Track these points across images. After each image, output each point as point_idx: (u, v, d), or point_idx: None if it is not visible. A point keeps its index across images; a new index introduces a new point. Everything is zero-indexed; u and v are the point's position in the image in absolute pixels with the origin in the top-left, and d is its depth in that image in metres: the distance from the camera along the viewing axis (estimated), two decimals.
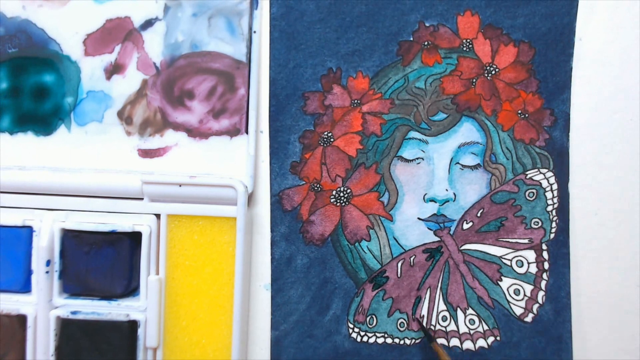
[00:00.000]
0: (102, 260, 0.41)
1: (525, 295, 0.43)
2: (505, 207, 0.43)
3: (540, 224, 0.43)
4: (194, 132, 0.43)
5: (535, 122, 0.43)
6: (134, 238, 0.42)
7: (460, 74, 0.43)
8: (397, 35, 0.43)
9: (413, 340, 0.43)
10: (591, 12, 0.43)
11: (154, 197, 0.42)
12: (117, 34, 0.43)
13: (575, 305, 0.43)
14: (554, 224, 0.43)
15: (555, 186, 0.43)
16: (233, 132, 0.43)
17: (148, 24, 0.43)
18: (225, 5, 0.43)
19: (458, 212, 0.43)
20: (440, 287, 0.43)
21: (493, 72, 0.43)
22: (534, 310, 0.43)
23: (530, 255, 0.43)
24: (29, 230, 0.42)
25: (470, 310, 0.43)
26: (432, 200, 0.43)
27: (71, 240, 0.41)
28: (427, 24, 0.43)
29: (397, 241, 0.43)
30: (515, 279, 0.43)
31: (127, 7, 0.43)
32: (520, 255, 0.43)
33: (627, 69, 0.43)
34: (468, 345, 0.43)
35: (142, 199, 0.42)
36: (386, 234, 0.43)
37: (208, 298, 0.42)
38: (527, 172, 0.43)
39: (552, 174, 0.43)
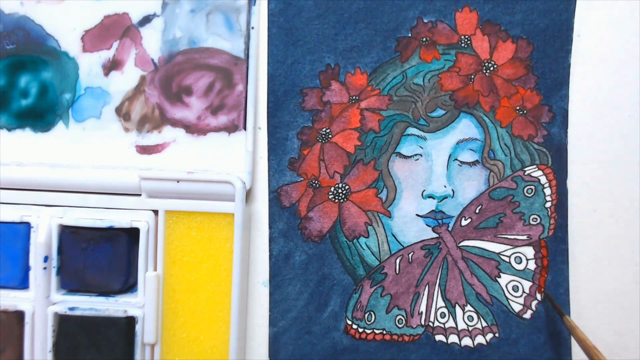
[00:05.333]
0: (100, 256, 0.41)
1: (524, 291, 0.43)
2: (503, 203, 0.43)
3: (538, 221, 0.43)
4: (192, 129, 0.43)
5: (534, 119, 0.43)
6: (132, 234, 0.42)
7: (458, 70, 0.43)
8: (396, 31, 0.43)
9: (411, 337, 0.43)
10: (589, 9, 0.43)
11: (151, 193, 0.42)
12: (115, 31, 0.43)
13: (574, 301, 0.43)
14: (552, 221, 0.43)
15: (553, 182, 0.43)
16: (231, 128, 0.43)
17: (146, 20, 0.43)
18: (223, 2, 0.43)
19: (456, 209, 0.43)
20: (439, 284, 0.43)
21: (491, 69, 0.43)
22: (533, 306, 0.43)
23: (529, 251, 0.43)
24: (26, 226, 0.42)
25: (468, 307, 0.43)
26: (431, 196, 0.43)
27: (69, 236, 0.41)
28: (425, 20, 0.43)
29: (395, 238, 0.43)
30: (513, 275, 0.43)
31: (125, 4, 0.43)
32: (519, 252, 0.43)
33: (625, 65, 0.43)
34: (467, 341, 0.43)
35: (140, 195, 0.42)
36: (384, 230, 0.43)
37: (206, 294, 0.42)
38: (526, 169, 0.43)
39: (550, 170, 0.43)
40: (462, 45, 0.43)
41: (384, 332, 0.43)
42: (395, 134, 0.43)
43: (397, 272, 0.43)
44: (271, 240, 0.43)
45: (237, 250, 0.41)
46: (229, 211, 0.41)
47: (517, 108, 0.43)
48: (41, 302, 0.41)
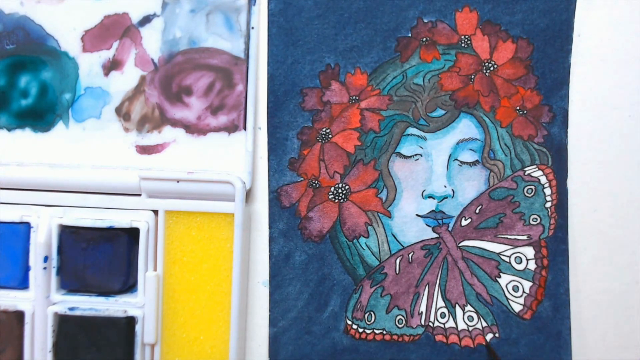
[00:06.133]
0: (100, 256, 0.41)
1: (524, 291, 0.43)
2: (503, 203, 0.43)
3: (538, 221, 0.43)
4: (192, 129, 0.43)
5: (534, 119, 0.43)
6: (132, 234, 0.42)
7: (458, 70, 0.43)
8: (396, 31, 0.43)
9: (411, 337, 0.43)
10: (589, 9, 0.43)
11: (151, 193, 0.42)
12: (115, 30, 0.43)
13: (574, 301, 0.43)
14: (552, 221, 0.43)
15: (553, 182, 0.43)
16: (231, 128, 0.43)
17: (146, 20, 0.43)
18: (223, 2, 0.43)
19: (456, 209, 0.43)
20: (439, 284, 0.43)
21: (491, 69, 0.43)
22: (533, 306, 0.43)
23: (529, 251, 0.43)
24: (26, 226, 0.42)
25: (468, 307, 0.43)
26: (431, 196, 0.43)
27: (69, 236, 0.41)
28: (425, 20, 0.43)
29: (395, 238, 0.43)
30: (514, 275, 0.43)
31: (125, 4, 0.43)
32: (519, 252, 0.43)
33: (625, 65, 0.43)
34: (467, 342, 0.43)
35: (140, 195, 0.42)
36: (384, 230, 0.43)
37: (206, 294, 0.42)
38: (526, 169, 0.43)
39: (550, 170, 0.43)
40: (462, 45, 0.43)
41: (384, 332, 0.43)
42: (395, 134, 0.43)
43: (397, 272, 0.43)
44: (271, 240, 0.43)
45: (237, 250, 0.41)
46: (229, 211, 0.41)
47: (517, 108, 0.43)
48: (41, 302, 0.41)
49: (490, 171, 0.43)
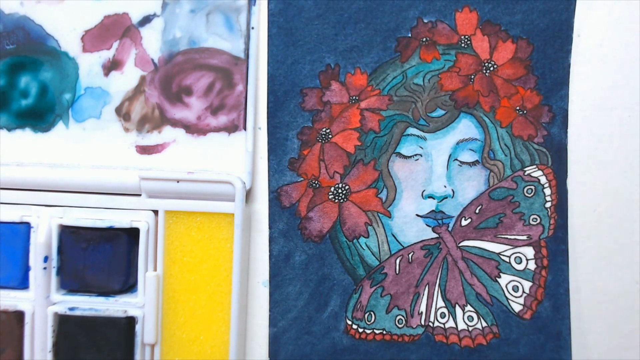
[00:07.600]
0: (100, 256, 0.41)
1: (524, 292, 0.43)
2: (503, 203, 0.43)
3: (538, 221, 0.43)
4: (192, 129, 0.43)
5: (534, 119, 0.43)
6: (132, 234, 0.42)
7: (458, 71, 0.43)
8: (396, 31, 0.43)
9: (411, 337, 0.43)
10: (589, 9, 0.43)
11: (151, 193, 0.42)
12: (115, 31, 0.43)
13: (574, 301, 0.43)
14: (552, 221, 0.43)
15: (553, 182, 0.43)
16: (231, 128, 0.43)
17: (146, 20, 0.43)
18: (223, 2, 0.43)
19: (456, 209, 0.43)
20: (439, 284, 0.43)
21: (491, 69, 0.43)
22: (533, 307, 0.43)
23: (529, 251, 0.43)
24: (26, 226, 0.42)
25: (468, 307, 0.43)
26: (431, 196, 0.43)
27: (69, 236, 0.41)
28: (425, 20, 0.43)
29: (395, 238, 0.43)
30: (513, 275, 0.43)
31: (125, 4, 0.43)
32: (519, 252, 0.43)
33: (625, 65, 0.43)
34: (466, 342, 0.43)
35: (140, 195, 0.42)
36: (384, 230, 0.43)
37: (206, 294, 0.42)
38: (526, 169, 0.43)
39: (550, 170, 0.43)
40: (462, 45, 0.43)
41: (384, 332, 0.43)
42: (395, 134, 0.43)
43: (397, 272, 0.43)
44: (271, 240, 0.43)
45: (237, 250, 0.41)
46: (229, 211, 0.41)
47: (517, 108, 0.43)
48: (41, 302, 0.41)
49: (490, 171, 0.43)
